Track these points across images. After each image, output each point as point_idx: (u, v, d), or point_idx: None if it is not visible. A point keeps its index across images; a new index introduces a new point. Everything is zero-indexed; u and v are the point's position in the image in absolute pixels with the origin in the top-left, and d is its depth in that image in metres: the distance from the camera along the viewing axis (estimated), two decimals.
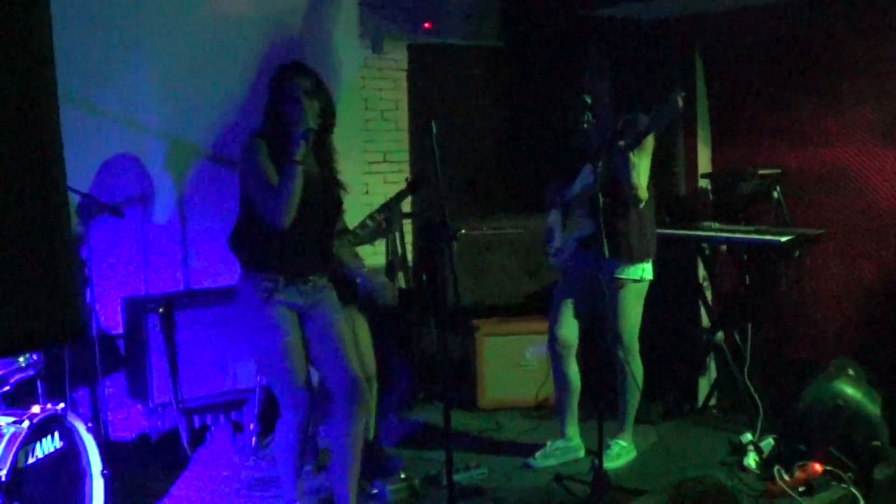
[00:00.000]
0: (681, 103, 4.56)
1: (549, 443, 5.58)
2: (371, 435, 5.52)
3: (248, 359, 5.72)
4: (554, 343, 5.47)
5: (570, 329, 5.43)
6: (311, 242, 4.36)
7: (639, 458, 5.55)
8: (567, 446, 5.55)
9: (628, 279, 5.26)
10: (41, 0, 2.30)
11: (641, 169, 5.02)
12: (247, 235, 4.32)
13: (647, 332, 5.45)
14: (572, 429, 5.60)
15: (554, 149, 5.85)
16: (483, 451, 5.74)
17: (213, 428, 6.01)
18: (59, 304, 2.18)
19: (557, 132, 5.78)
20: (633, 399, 5.49)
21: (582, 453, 5.56)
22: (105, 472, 4.39)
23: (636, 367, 5.41)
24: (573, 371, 5.50)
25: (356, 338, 4.91)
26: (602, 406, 4.90)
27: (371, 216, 5.29)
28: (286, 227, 4.15)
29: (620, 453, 5.53)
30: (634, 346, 5.39)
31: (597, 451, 4.85)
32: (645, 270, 5.29)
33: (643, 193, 5.07)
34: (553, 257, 5.50)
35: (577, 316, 5.41)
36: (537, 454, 5.52)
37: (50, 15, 2.33)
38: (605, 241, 4.83)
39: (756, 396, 5.78)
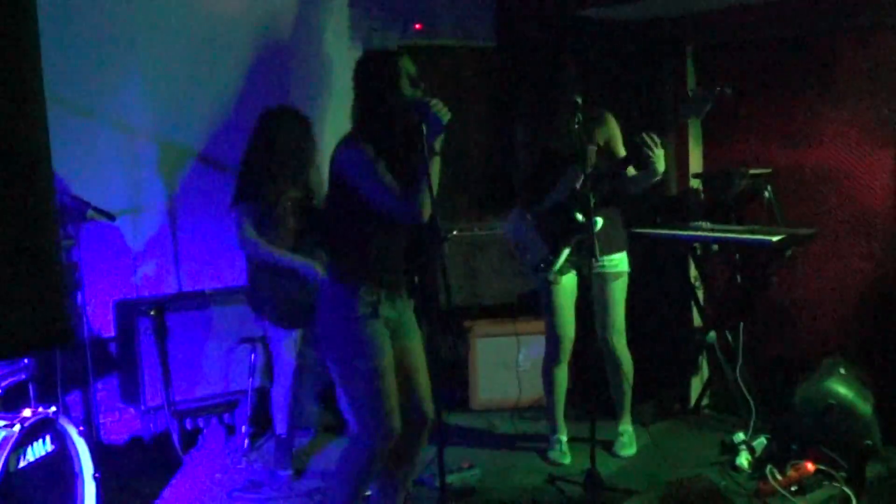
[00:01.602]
0: (729, 91, 4.69)
1: (560, 438, 5.66)
2: None
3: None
4: (560, 343, 5.50)
5: (573, 328, 5.49)
6: (402, 248, 4.12)
7: (631, 458, 5.56)
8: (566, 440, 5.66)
9: (622, 272, 5.40)
10: (27, 2, 2.29)
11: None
12: (351, 245, 3.99)
13: (640, 332, 5.48)
14: (565, 423, 5.69)
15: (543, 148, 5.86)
16: (476, 452, 5.74)
17: (205, 430, 6.01)
18: (47, 308, 2.17)
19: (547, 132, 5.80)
20: (630, 387, 5.58)
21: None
22: (97, 475, 4.38)
23: (630, 356, 5.54)
24: (566, 369, 5.57)
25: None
26: (595, 405, 4.93)
27: None
28: (424, 222, 3.87)
29: (632, 438, 5.65)
30: (625, 336, 5.50)
31: (591, 451, 4.87)
32: (626, 263, 5.47)
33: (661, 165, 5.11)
34: (539, 272, 5.43)
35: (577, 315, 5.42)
36: (562, 449, 5.61)
37: (37, 16, 2.32)
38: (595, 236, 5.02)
39: (748, 396, 5.78)
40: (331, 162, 3.98)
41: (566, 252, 5.26)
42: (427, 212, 3.84)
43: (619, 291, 5.45)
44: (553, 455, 5.58)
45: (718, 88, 4.69)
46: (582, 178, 5.03)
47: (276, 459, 5.44)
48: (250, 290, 5.33)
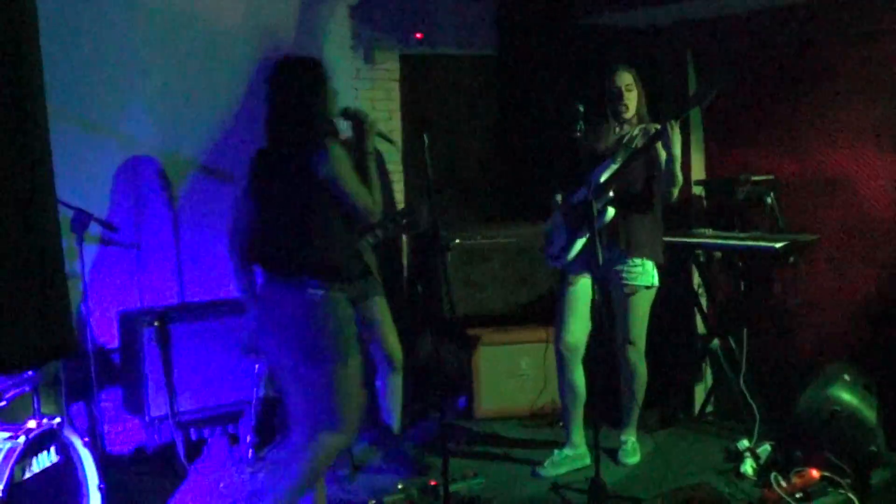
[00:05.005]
0: (731, 79, 4.82)
1: (556, 451, 5.57)
2: (397, 429, 5.60)
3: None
4: (561, 348, 5.45)
5: (576, 333, 5.42)
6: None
7: (636, 466, 5.55)
8: (575, 453, 5.55)
9: (641, 286, 5.36)
10: (29, 14, 2.30)
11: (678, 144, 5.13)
12: (333, 243, 4.09)
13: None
14: (578, 436, 5.59)
15: (547, 155, 5.88)
16: (480, 461, 5.73)
17: (209, 441, 6.01)
18: (51, 320, 2.17)
19: (551, 140, 5.82)
20: (641, 398, 5.56)
21: (588, 460, 5.50)
22: (102, 486, 4.39)
23: (644, 369, 5.53)
24: (579, 376, 5.49)
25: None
26: (599, 411, 4.93)
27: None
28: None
29: (635, 448, 5.63)
30: (643, 349, 5.50)
31: (596, 459, 4.86)
32: (654, 276, 5.39)
33: (679, 174, 5.17)
34: (554, 261, 5.49)
35: (592, 318, 5.40)
36: (545, 463, 5.51)
37: (38, 29, 2.32)
38: (620, 236, 5.26)
39: (752, 403, 5.78)
40: (303, 165, 4.01)
41: (579, 244, 5.26)
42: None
43: (637, 305, 5.40)
44: (538, 468, 5.52)
45: (722, 78, 4.86)
46: (608, 173, 5.14)
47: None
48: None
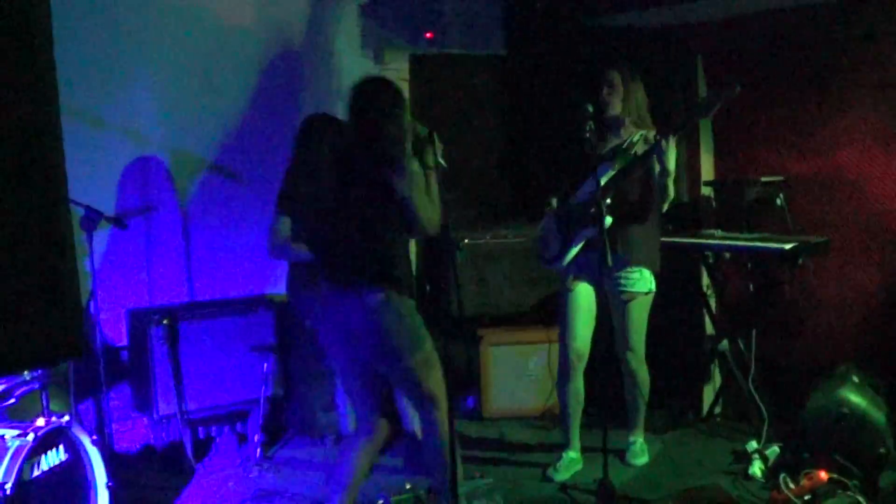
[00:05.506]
0: (738, 90, 4.73)
1: (563, 454, 5.56)
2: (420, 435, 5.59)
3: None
4: (571, 355, 5.41)
5: (583, 339, 5.41)
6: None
7: (644, 467, 5.54)
8: (577, 456, 5.56)
9: (638, 292, 5.31)
10: (42, 12, 2.30)
11: (672, 159, 5.08)
12: (395, 254, 4.26)
13: (652, 341, 5.47)
14: (578, 438, 5.59)
15: (556, 156, 5.87)
16: (488, 461, 5.73)
17: (217, 439, 6.01)
18: (62, 321, 2.17)
19: (560, 140, 5.80)
20: (646, 399, 5.54)
21: (581, 464, 5.56)
22: (110, 484, 4.39)
23: (645, 373, 5.48)
24: (581, 382, 5.47)
25: None
26: (606, 413, 4.92)
27: None
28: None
29: (644, 448, 5.61)
30: (643, 355, 5.45)
31: (604, 461, 4.85)
32: (651, 282, 5.35)
33: (671, 188, 5.13)
34: (549, 264, 5.48)
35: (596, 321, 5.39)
36: (558, 466, 5.49)
37: (51, 27, 2.33)
38: (616, 243, 5.15)
39: (761, 404, 5.76)
40: (380, 179, 4.15)
41: (576, 248, 5.24)
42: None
43: (635, 311, 5.35)
44: (549, 470, 5.49)
45: (727, 89, 4.75)
46: (605, 178, 5.09)
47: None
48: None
